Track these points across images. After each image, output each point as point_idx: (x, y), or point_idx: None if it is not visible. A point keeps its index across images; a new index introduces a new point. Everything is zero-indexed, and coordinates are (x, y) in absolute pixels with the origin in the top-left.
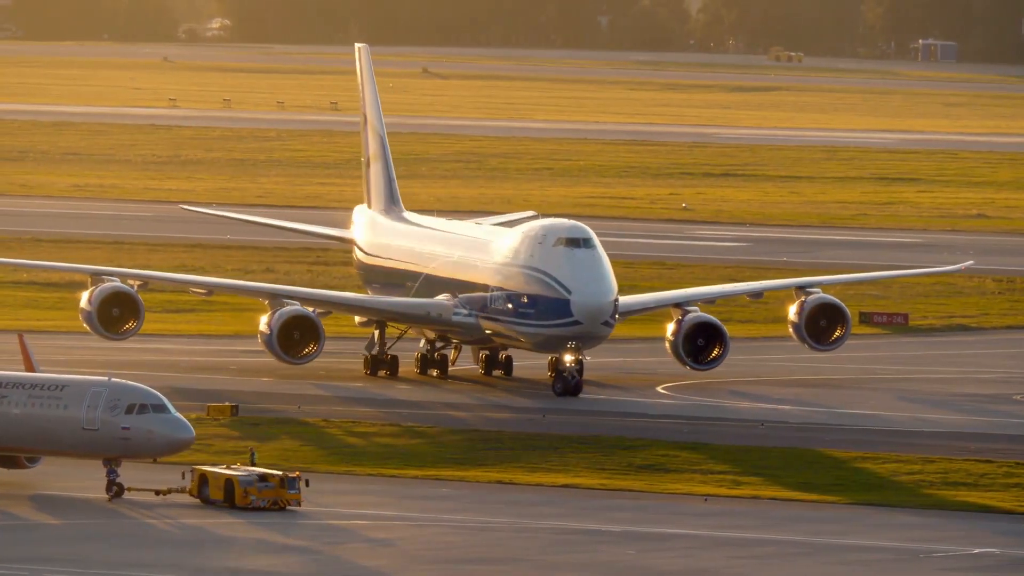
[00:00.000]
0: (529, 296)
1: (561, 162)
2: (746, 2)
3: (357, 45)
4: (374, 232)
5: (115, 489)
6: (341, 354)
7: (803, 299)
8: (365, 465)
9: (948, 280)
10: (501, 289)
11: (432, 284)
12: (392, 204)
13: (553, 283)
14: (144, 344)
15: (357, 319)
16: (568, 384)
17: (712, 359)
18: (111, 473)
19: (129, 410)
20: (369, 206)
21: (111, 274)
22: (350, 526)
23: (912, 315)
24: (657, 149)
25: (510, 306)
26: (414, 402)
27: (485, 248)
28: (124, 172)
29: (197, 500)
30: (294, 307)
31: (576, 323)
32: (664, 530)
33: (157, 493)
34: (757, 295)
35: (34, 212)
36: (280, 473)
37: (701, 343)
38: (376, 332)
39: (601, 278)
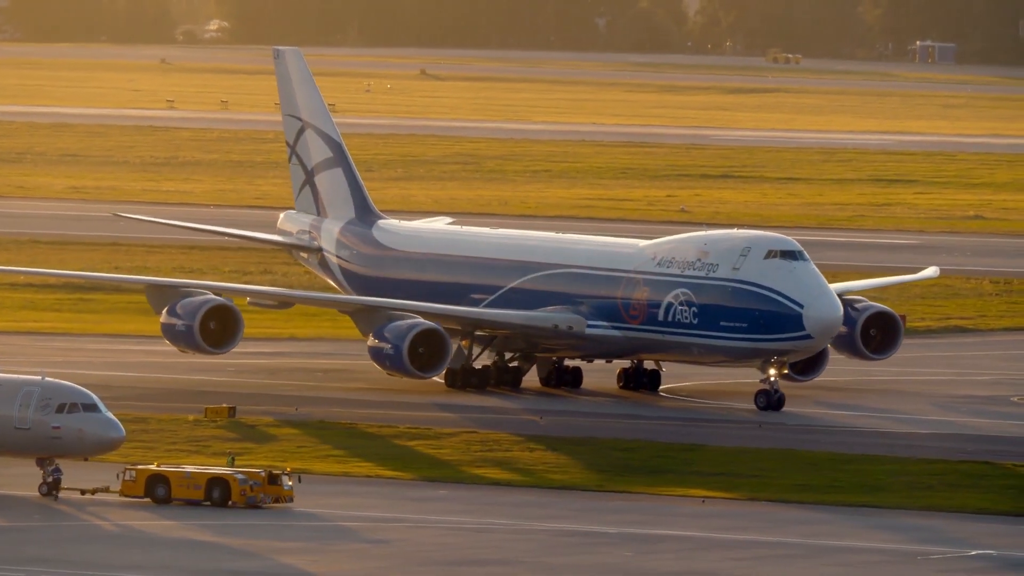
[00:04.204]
0: (743, 309)
1: (559, 164)
2: (744, 4)
3: (280, 48)
4: (377, 242)
5: (48, 488)
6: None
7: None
8: (362, 466)
9: (946, 282)
10: (688, 303)
11: (525, 296)
12: (366, 212)
13: (777, 297)
14: (142, 346)
15: None
16: (771, 398)
17: (813, 369)
18: (55, 472)
19: (60, 409)
20: (320, 214)
21: (178, 286)
22: (346, 527)
23: (909, 317)
24: (655, 151)
25: (702, 320)
26: (411, 404)
27: (635, 259)
28: (122, 174)
29: (131, 499)
30: (416, 321)
31: (807, 337)
32: (661, 531)
33: (83, 492)
34: None
35: (32, 214)
36: (264, 471)
37: None
38: (468, 344)
39: (828, 291)
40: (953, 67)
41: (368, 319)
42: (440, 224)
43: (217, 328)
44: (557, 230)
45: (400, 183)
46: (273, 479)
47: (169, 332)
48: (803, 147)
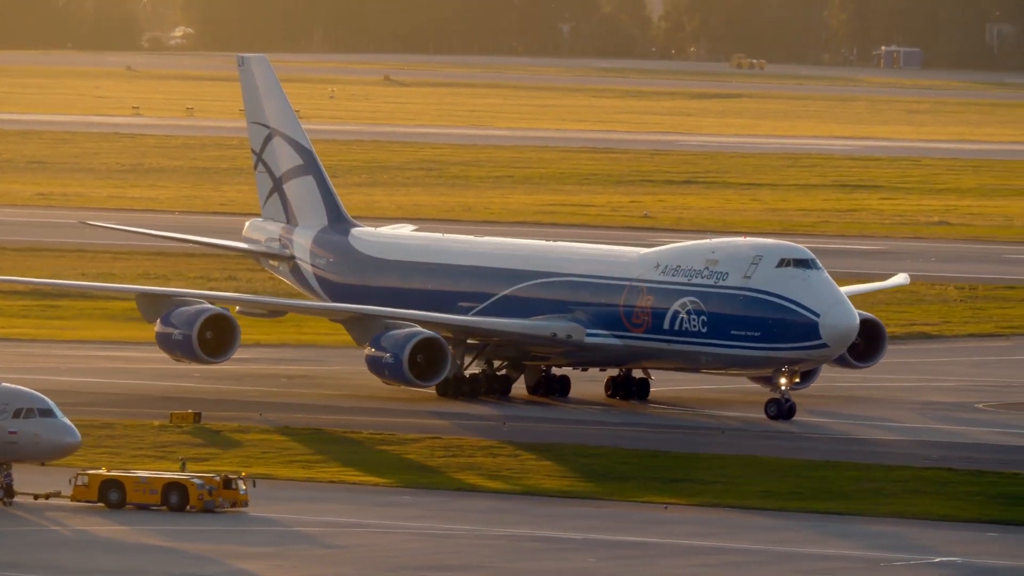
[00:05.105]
0: (756, 318)
1: (522, 170)
2: (708, 9)
3: (245, 56)
4: (355, 250)
5: (3, 492)
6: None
7: None
8: (327, 472)
9: (911, 288)
10: (696, 311)
11: (518, 304)
12: (339, 219)
13: (792, 305)
14: (108, 351)
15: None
16: (782, 407)
17: (808, 377)
18: (7, 476)
19: (16, 414)
20: (290, 222)
21: (171, 295)
22: (310, 532)
23: None
24: (618, 156)
25: (711, 328)
26: (376, 409)
27: (636, 267)
28: (88, 180)
29: (84, 504)
30: (415, 329)
31: (823, 346)
32: (624, 538)
33: (36, 497)
34: None
35: None
36: (218, 476)
37: None
38: (461, 351)
39: (844, 300)
40: (919, 72)
41: (363, 328)
42: (407, 230)
43: (214, 337)
44: (528, 237)
45: (364, 189)
46: (227, 483)
47: (165, 341)
48: (767, 153)
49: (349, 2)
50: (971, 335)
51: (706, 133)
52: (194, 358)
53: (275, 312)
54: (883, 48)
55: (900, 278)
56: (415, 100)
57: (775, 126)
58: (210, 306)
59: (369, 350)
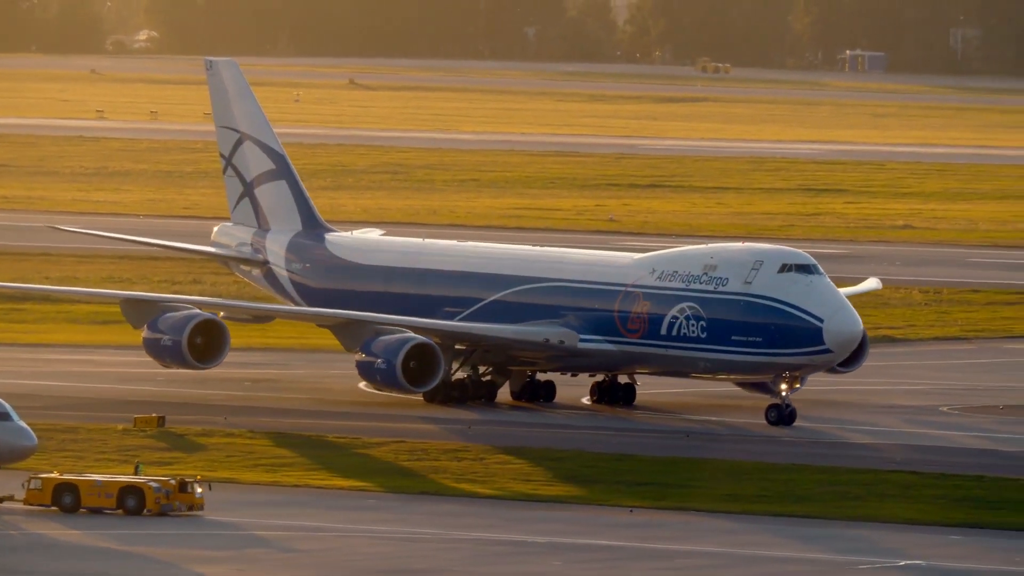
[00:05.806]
0: (758, 324)
1: (488, 173)
2: (674, 13)
3: (213, 59)
4: (333, 254)
5: None
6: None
7: None
8: (291, 475)
9: (875, 292)
10: (695, 316)
11: (508, 309)
12: (314, 224)
13: (794, 311)
14: (71, 355)
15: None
16: (783, 412)
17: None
18: None
19: None
20: (261, 226)
21: (157, 300)
22: (271, 537)
23: None
24: (584, 160)
25: (711, 334)
26: (340, 413)
27: (632, 273)
28: (52, 184)
29: (37, 508)
30: (407, 335)
31: (827, 352)
32: (590, 541)
33: None
34: None
35: None
36: (174, 479)
37: None
38: (448, 357)
39: (847, 305)
40: (883, 76)
41: (353, 333)
42: (375, 234)
43: (203, 343)
44: (494, 241)
45: (329, 192)
46: (183, 487)
47: (153, 347)
48: (732, 156)
49: (314, 6)
50: (936, 338)
51: (671, 137)
52: (183, 364)
53: (260, 318)
54: (848, 52)
55: (871, 283)
56: (380, 104)
57: (740, 130)
58: (198, 311)
59: (360, 356)
